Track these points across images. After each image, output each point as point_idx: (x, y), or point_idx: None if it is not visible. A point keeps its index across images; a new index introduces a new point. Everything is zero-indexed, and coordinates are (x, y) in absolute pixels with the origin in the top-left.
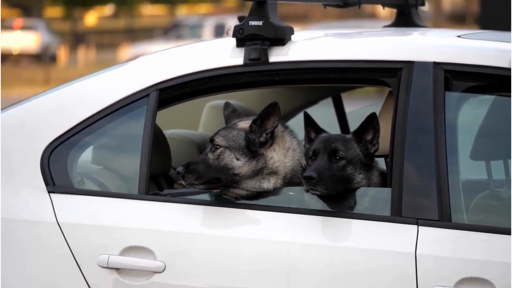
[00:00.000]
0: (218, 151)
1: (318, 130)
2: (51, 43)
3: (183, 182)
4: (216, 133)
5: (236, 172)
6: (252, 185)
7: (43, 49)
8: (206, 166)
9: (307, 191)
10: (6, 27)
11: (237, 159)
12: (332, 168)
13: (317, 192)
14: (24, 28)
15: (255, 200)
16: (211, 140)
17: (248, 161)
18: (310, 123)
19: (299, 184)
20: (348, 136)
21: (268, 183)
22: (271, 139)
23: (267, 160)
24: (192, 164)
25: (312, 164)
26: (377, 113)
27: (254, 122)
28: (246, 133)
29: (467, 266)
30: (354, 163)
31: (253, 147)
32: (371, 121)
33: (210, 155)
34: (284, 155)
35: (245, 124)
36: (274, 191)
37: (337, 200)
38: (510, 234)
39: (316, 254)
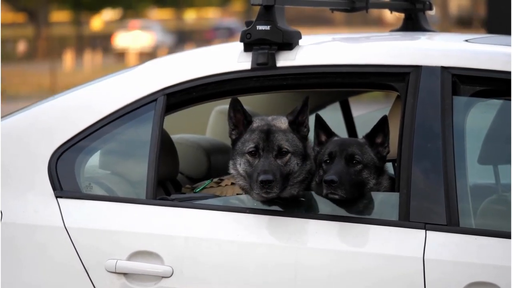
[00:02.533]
0: (287, 157)
1: (330, 133)
2: (164, 42)
3: (266, 193)
4: (278, 139)
5: (294, 176)
6: (293, 191)
7: (156, 48)
8: (281, 174)
9: (326, 195)
10: (122, 27)
11: (297, 164)
12: (350, 172)
13: (337, 196)
14: (139, 28)
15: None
16: (279, 147)
17: (302, 165)
18: (321, 126)
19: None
20: (361, 140)
21: (302, 187)
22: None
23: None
24: (275, 173)
25: (330, 168)
26: None
27: (293, 121)
28: (294, 133)
29: (475, 271)
30: (369, 168)
31: (305, 143)
32: (382, 125)
33: (279, 162)
34: (311, 157)
35: (283, 124)
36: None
37: (345, 205)
38: (511, 237)
39: (324, 259)
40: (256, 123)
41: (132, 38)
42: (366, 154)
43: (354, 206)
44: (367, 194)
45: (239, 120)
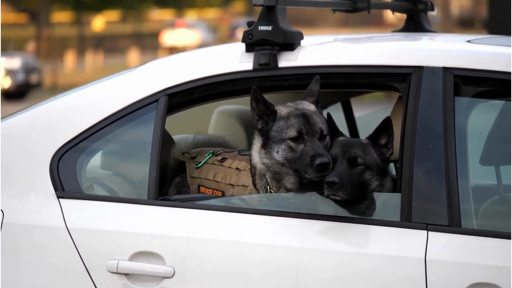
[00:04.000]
0: (326, 140)
1: (337, 133)
2: (210, 40)
3: (320, 178)
4: (318, 122)
5: None
6: None
7: (202, 45)
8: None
9: (328, 196)
10: (169, 25)
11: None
12: (352, 173)
13: (338, 198)
14: (186, 26)
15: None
16: (321, 130)
17: None
18: (329, 125)
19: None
20: (364, 141)
21: None
22: None
23: None
24: (328, 156)
25: (332, 168)
26: None
27: (317, 101)
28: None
29: (477, 272)
30: (372, 169)
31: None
32: (385, 126)
33: (321, 145)
34: None
35: (311, 106)
36: (283, 196)
37: (347, 206)
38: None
39: (326, 260)
40: (285, 110)
41: (179, 36)
42: (369, 155)
43: (356, 207)
44: (369, 195)
45: (262, 110)
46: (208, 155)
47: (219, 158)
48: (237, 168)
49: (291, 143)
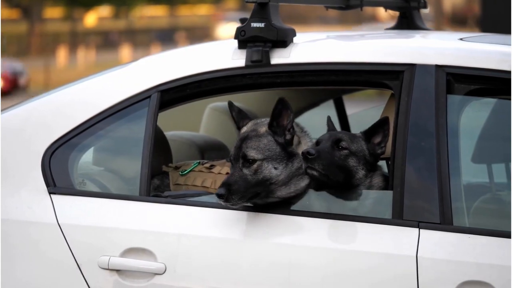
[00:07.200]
0: (255, 165)
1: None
2: None
3: (223, 203)
4: (246, 147)
5: (274, 181)
6: (287, 190)
7: None
8: (246, 183)
9: (305, 170)
10: (228, 19)
11: (275, 168)
12: (334, 154)
13: (314, 172)
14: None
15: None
16: (244, 156)
17: (285, 166)
18: (329, 128)
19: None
20: (357, 134)
21: (304, 181)
22: (296, 136)
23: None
24: (232, 184)
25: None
26: (379, 116)
27: (270, 125)
28: (272, 137)
29: (469, 270)
30: (357, 157)
31: (289, 148)
32: (382, 125)
33: (246, 171)
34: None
35: (264, 128)
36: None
37: (339, 203)
38: (511, 237)
39: (318, 257)
40: (244, 129)
41: (231, 29)
42: (356, 144)
43: (348, 204)
44: (359, 192)
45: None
46: (194, 164)
47: (207, 165)
48: (227, 173)
49: (229, 165)
